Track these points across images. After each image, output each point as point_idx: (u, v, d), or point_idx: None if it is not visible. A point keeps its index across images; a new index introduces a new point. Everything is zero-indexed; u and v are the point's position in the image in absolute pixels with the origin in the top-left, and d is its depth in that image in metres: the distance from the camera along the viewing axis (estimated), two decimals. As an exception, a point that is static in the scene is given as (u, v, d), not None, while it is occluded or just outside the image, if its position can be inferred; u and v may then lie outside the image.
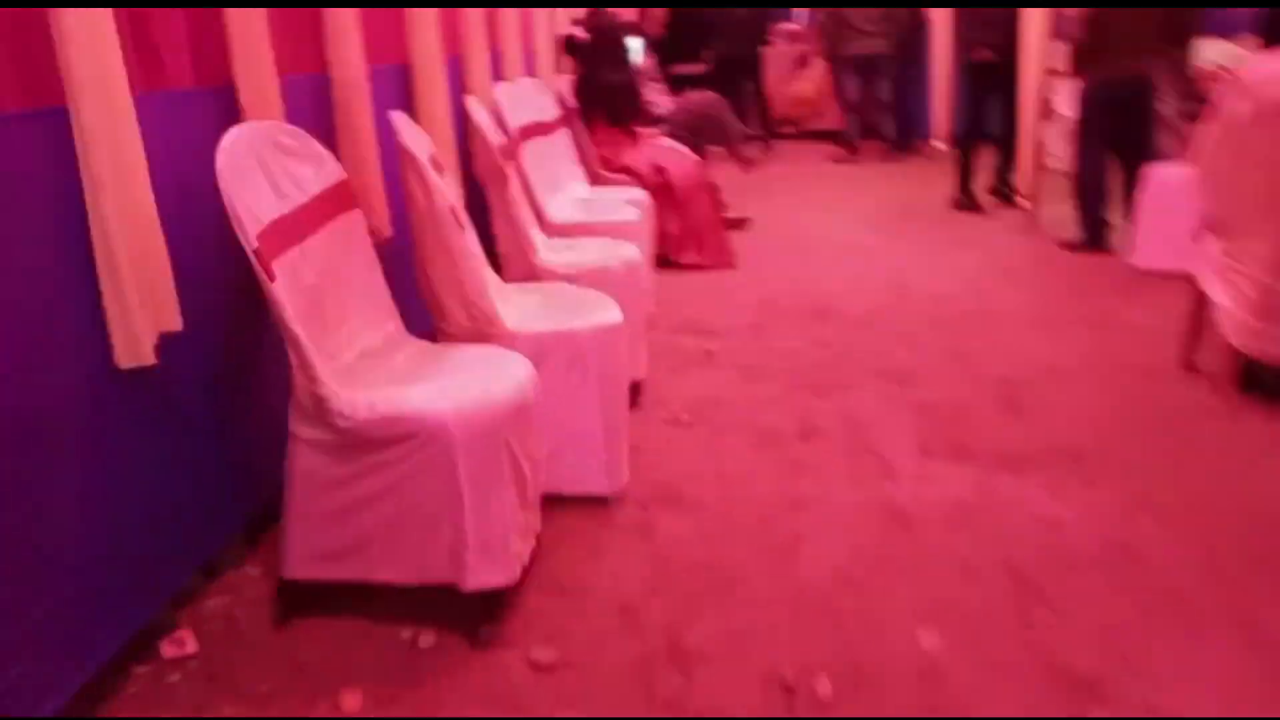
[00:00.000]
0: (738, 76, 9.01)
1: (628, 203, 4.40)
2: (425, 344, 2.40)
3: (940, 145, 8.12)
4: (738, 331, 4.14)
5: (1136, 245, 4.82)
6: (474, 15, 3.95)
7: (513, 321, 2.54)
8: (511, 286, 2.91)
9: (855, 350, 3.87)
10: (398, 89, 3.34)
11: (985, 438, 3.06)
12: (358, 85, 2.74)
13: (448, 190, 2.47)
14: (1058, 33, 5.42)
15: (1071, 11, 4.89)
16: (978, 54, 5.96)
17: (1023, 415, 3.22)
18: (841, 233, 5.96)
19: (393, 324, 2.36)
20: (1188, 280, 4.39)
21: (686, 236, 5.25)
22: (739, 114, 9.29)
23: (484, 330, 2.45)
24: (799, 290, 4.74)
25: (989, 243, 5.54)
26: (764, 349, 3.92)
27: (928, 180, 7.25)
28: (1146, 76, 4.91)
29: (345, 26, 2.69)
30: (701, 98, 6.49)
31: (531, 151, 4.13)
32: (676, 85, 8.67)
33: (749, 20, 8.90)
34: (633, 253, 3.37)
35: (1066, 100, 6.53)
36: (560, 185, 4.46)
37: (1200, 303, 3.49)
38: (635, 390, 3.34)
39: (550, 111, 4.70)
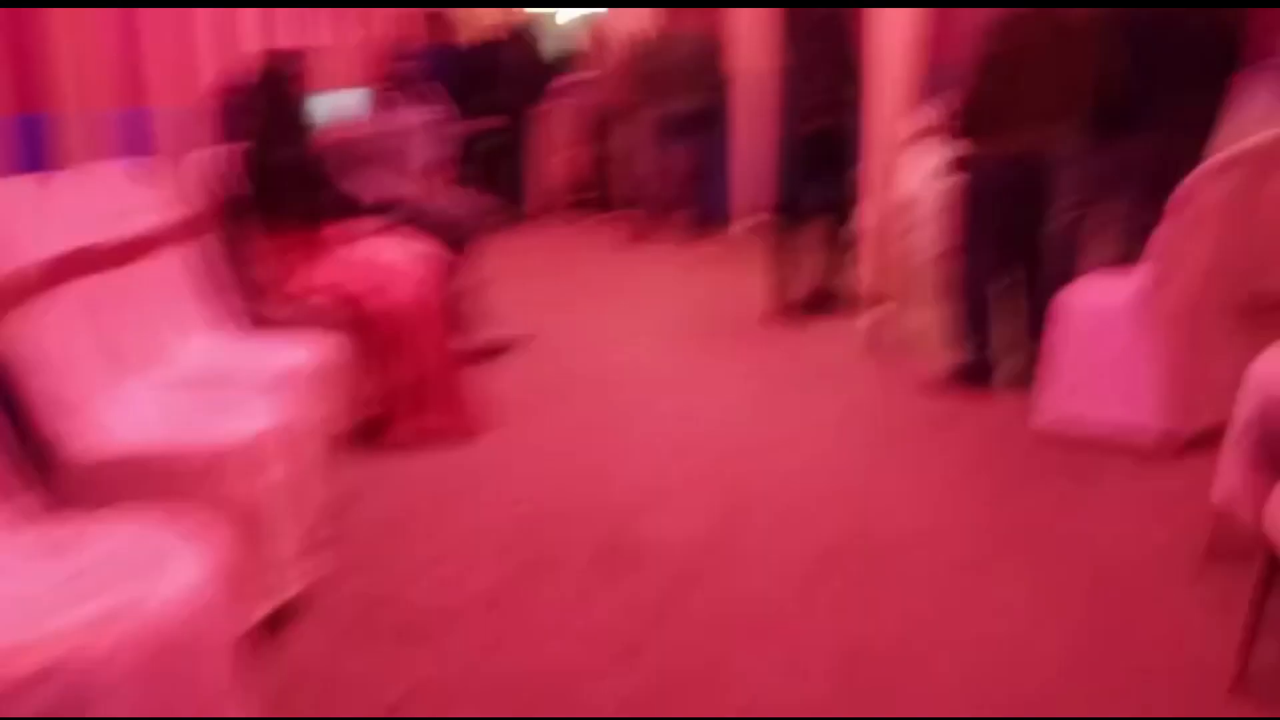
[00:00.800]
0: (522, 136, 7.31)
1: (279, 375, 2.52)
2: None
3: (745, 226, 6.69)
4: (471, 615, 2.30)
5: (1048, 397, 3.38)
6: None
7: None
8: None
9: (688, 664, 2.11)
10: None
11: None
12: None
13: None
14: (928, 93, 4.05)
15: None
16: (812, 123, 4.50)
17: None
18: (642, 358, 4.28)
19: None
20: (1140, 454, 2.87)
21: (405, 393, 3.38)
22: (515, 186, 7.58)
23: None
24: (583, 485, 2.98)
25: (841, 376, 4.01)
26: (513, 670, 2.09)
27: (739, 271, 5.74)
28: (1049, 156, 3.54)
29: None
30: (464, 204, 4.48)
31: (83, 302, 2.18)
32: (470, 145, 6.79)
33: (530, 68, 7.21)
34: (186, 582, 1.48)
35: (920, 177, 5.20)
36: (155, 352, 2.52)
37: (1272, 575, 1.98)
38: None
39: (147, 217, 2.75)
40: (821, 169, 4.68)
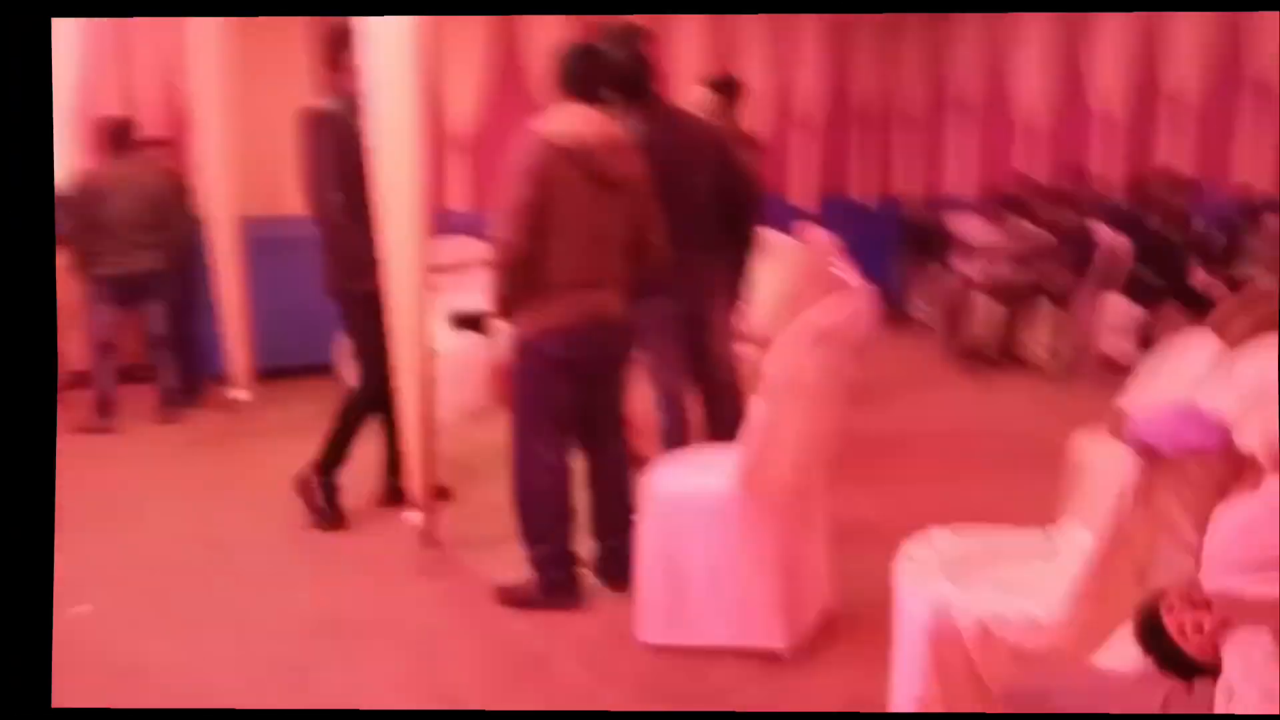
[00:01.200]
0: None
1: None
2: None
3: (241, 394, 5.58)
4: None
5: (645, 605, 2.91)
6: None
7: None
8: None
9: None
10: None
11: None
12: None
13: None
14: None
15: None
16: (368, 280, 3.56)
17: None
18: (99, 643, 3.02)
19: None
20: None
21: None
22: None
23: None
24: None
25: (394, 606, 3.20)
26: None
27: (240, 455, 4.68)
28: (602, 321, 3.10)
29: None
30: None
31: None
32: None
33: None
34: None
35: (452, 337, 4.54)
36: None
37: None
38: None
39: None
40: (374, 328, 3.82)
